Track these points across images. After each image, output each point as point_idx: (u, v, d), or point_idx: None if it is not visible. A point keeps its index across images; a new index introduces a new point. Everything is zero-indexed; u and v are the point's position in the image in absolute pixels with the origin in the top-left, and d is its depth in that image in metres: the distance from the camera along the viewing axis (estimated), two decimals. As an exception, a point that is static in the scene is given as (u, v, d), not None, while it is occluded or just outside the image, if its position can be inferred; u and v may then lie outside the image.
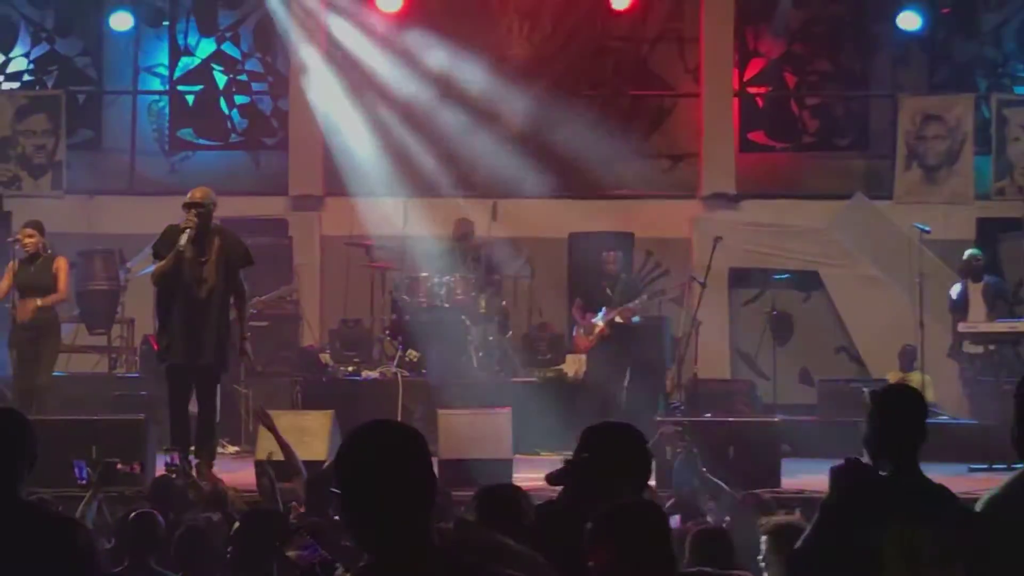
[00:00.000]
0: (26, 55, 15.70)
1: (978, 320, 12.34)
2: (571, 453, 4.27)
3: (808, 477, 9.37)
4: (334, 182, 14.54)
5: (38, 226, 10.70)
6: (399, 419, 10.42)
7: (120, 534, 5.81)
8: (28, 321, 10.37)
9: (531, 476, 7.49)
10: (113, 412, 10.46)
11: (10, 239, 10.93)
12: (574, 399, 12.02)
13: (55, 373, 10.99)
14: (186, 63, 15.67)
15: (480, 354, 12.34)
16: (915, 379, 12.66)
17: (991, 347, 12.15)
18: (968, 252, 13.03)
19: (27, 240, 10.55)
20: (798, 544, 4.22)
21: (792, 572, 4.40)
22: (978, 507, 4.14)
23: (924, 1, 15.22)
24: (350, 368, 12.77)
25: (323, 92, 14.51)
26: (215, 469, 9.35)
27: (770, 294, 14.11)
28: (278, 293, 12.50)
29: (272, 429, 8.41)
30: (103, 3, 15.32)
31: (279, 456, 8.19)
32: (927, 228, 13.09)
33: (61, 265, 10.59)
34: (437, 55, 14.34)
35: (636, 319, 12.39)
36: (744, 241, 14.30)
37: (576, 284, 13.65)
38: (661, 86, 15.72)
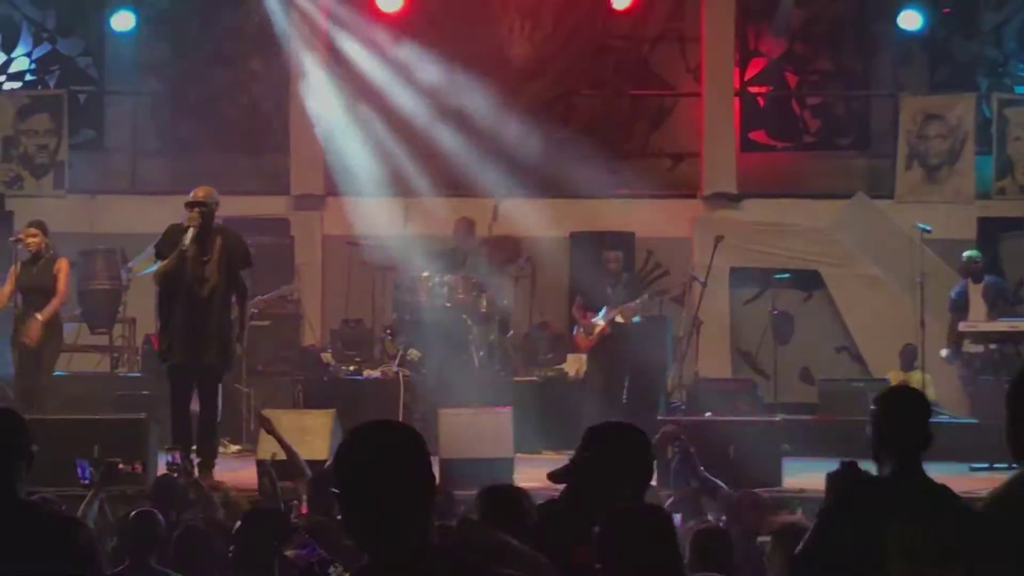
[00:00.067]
0: (28, 55, 15.71)
1: (978, 320, 12.34)
2: (573, 453, 4.27)
3: (809, 476, 9.36)
4: (335, 182, 14.53)
5: (41, 226, 10.71)
6: (400, 419, 10.46)
7: (120, 533, 5.82)
8: (34, 341, 10.40)
9: (532, 475, 7.50)
10: (115, 411, 10.49)
11: (12, 239, 10.94)
12: (575, 399, 12.03)
13: (57, 373, 11.00)
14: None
15: (481, 353, 12.33)
16: (916, 378, 12.68)
17: (992, 346, 12.16)
18: (967, 254, 13.02)
19: (30, 240, 10.57)
20: (799, 548, 4.22)
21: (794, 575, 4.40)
22: (980, 507, 4.15)
23: (925, 0, 15.23)
24: (351, 367, 12.78)
25: (323, 92, 14.50)
26: (216, 468, 9.37)
27: (771, 293, 14.10)
28: (279, 292, 12.50)
29: (274, 433, 8.43)
30: (104, 3, 15.33)
31: (282, 456, 8.21)
32: (928, 228, 13.09)
33: (62, 267, 10.60)
34: (438, 57, 14.34)
35: (637, 319, 12.40)
36: (745, 241, 14.30)
37: (577, 284, 13.65)
38: (662, 86, 15.73)
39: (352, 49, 14.50)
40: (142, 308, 12.59)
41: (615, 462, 4.08)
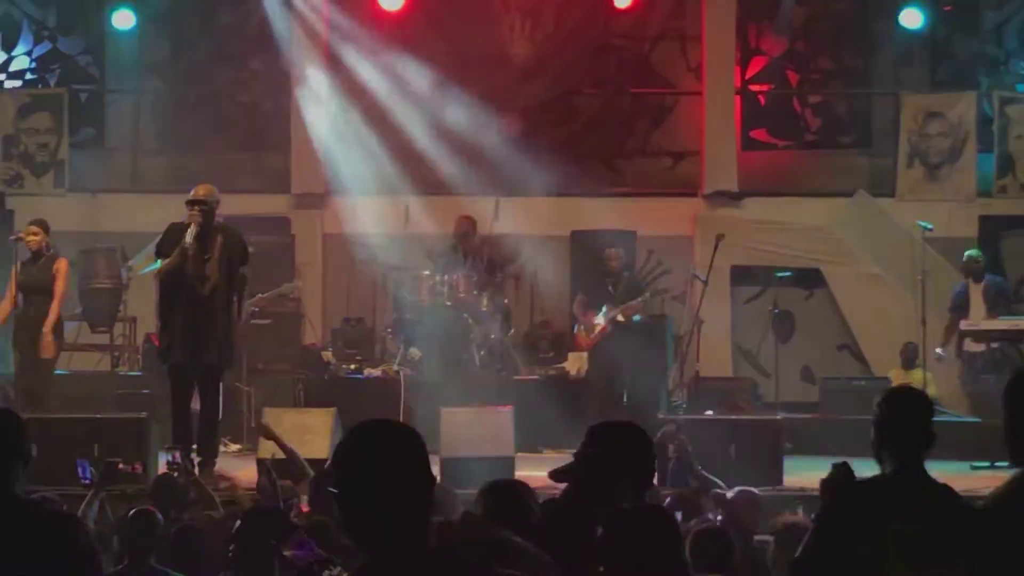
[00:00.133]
0: (28, 53, 15.69)
1: (979, 319, 12.33)
2: (574, 452, 4.27)
3: (810, 475, 9.35)
4: (336, 180, 14.51)
5: (43, 225, 10.72)
6: (401, 418, 10.46)
7: (119, 532, 5.82)
8: (52, 353, 10.42)
9: (533, 474, 7.49)
10: (115, 411, 10.48)
11: (13, 237, 10.94)
12: (576, 397, 12.02)
13: (57, 372, 11.00)
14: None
15: (482, 352, 12.34)
16: (917, 377, 12.67)
17: (993, 345, 12.15)
18: (967, 253, 13.01)
19: (30, 238, 10.57)
20: (798, 551, 4.22)
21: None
22: (980, 506, 4.14)
23: (926, -2, 15.24)
24: (352, 366, 12.78)
25: (323, 91, 14.48)
26: (217, 467, 9.37)
27: (772, 292, 14.09)
28: (279, 291, 12.49)
29: (274, 439, 8.44)
30: (105, 1, 15.30)
31: (283, 455, 8.21)
32: (929, 226, 13.07)
33: (61, 267, 10.59)
34: (439, 56, 14.32)
35: (638, 317, 12.39)
36: (746, 239, 14.29)
37: (578, 282, 13.64)
38: (663, 84, 15.71)
39: (352, 49, 14.48)
40: (143, 307, 12.59)
41: (617, 461, 4.08)
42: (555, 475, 4.30)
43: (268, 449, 8.52)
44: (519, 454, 9.92)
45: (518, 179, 13.78)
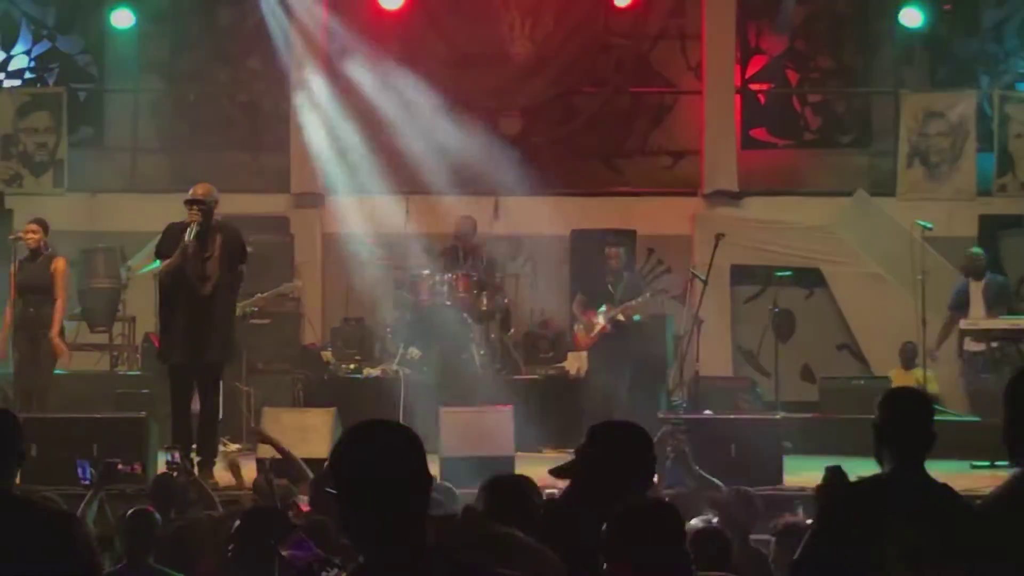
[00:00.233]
0: (27, 52, 15.69)
1: (979, 318, 12.32)
2: (574, 451, 4.27)
3: (810, 475, 9.34)
4: (335, 179, 14.50)
5: (42, 223, 10.70)
6: (401, 418, 10.45)
7: (117, 532, 5.82)
8: (66, 355, 10.44)
9: (532, 474, 7.47)
10: (114, 410, 10.48)
11: (11, 235, 10.93)
12: (576, 397, 12.03)
13: (56, 371, 10.99)
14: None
15: (482, 352, 12.33)
16: (917, 376, 12.67)
17: (993, 344, 12.14)
18: (969, 251, 13.00)
19: (29, 236, 10.55)
20: (798, 552, 4.21)
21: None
22: (980, 506, 4.13)
23: (926, -3, 15.24)
24: (352, 366, 12.78)
25: (323, 91, 14.47)
26: (218, 467, 9.37)
27: (772, 291, 14.07)
28: (278, 291, 12.48)
29: (272, 444, 8.43)
30: (104, 0, 15.30)
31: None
32: (929, 225, 13.06)
33: (59, 267, 10.55)
34: (438, 55, 14.32)
35: (638, 317, 12.38)
36: (746, 238, 14.27)
37: (578, 281, 13.63)
38: (663, 83, 15.71)
39: (351, 50, 14.46)
40: (142, 307, 12.58)
41: (618, 460, 4.08)
42: (555, 473, 4.29)
43: (268, 451, 8.52)
44: (519, 454, 9.92)
45: (518, 179, 13.77)
